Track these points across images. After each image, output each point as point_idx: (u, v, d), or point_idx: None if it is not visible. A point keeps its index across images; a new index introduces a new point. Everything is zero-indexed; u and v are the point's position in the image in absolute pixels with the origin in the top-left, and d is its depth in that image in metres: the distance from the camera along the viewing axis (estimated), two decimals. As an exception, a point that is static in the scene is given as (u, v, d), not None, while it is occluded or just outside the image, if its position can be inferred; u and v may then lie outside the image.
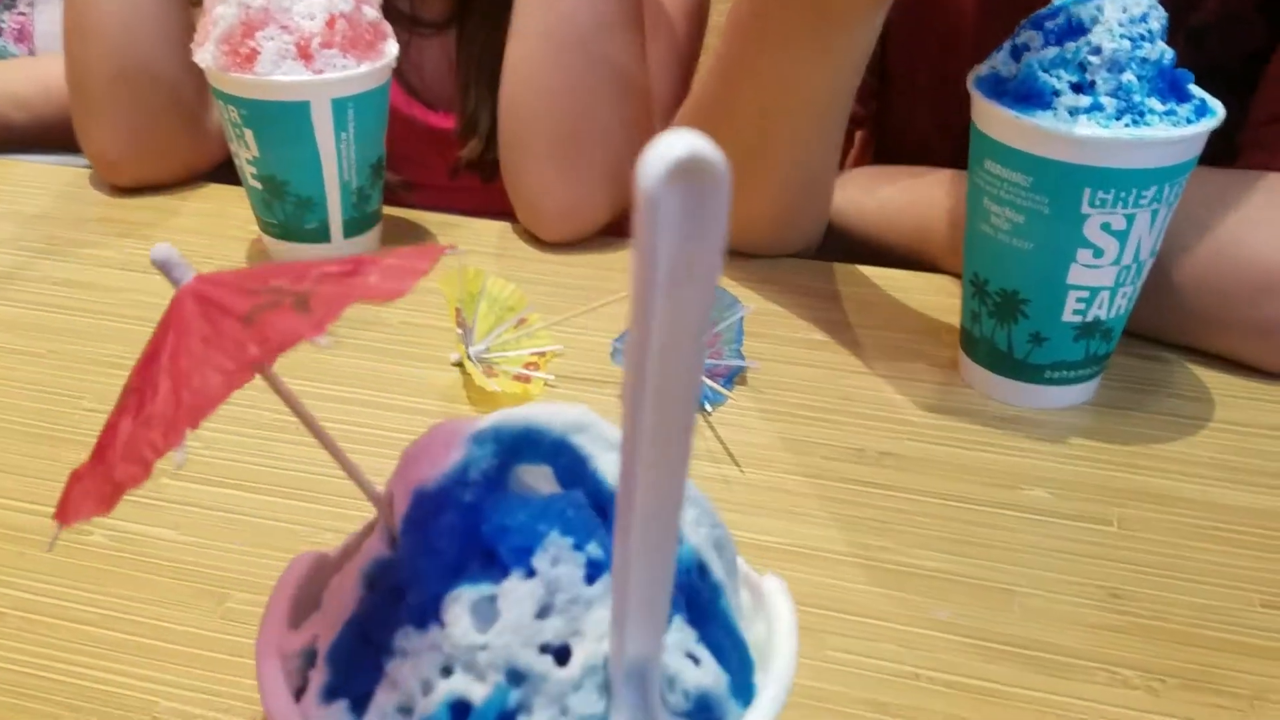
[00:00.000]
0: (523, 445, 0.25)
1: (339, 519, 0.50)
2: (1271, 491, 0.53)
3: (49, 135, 0.87)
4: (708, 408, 0.58)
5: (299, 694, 0.24)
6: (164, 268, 0.22)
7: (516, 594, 0.22)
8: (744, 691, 0.24)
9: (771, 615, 0.26)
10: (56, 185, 0.81)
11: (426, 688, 0.22)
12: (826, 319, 0.66)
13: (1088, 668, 0.43)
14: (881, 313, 0.67)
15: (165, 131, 0.77)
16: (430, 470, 0.24)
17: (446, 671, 0.22)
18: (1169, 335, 0.62)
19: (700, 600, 0.24)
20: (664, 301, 0.17)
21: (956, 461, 0.55)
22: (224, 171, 0.79)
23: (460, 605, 0.22)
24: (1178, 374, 0.61)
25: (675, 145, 0.16)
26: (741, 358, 0.60)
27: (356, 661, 0.24)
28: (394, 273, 0.22)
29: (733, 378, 0.60)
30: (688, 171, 0.16)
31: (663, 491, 0.18)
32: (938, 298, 0.67)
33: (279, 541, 0.49)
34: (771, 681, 0.23)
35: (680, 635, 0.23)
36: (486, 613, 0.22)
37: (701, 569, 0.24)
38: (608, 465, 0.24)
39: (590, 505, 0.24)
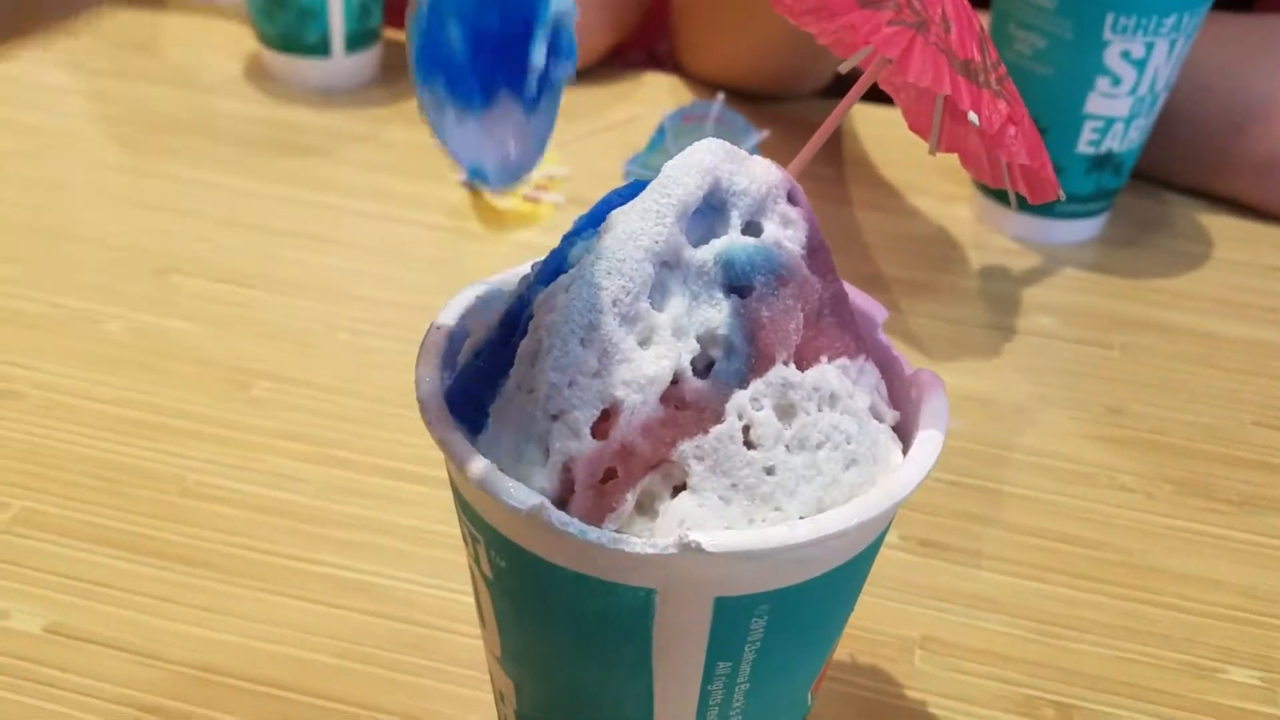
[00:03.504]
0: None
1: (352, 320, 0.50)
2: (1266, 324, 0.54)
3: None
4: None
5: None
6: None
7: None
8: None
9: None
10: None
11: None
12: (839, 155, 0.66)
13: (1090, 473, 0.45)
14: (894, 150, 0.66)
15: None
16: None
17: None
18: (1177, 176, 0.63)
19: None
20: None
21: (968, 288, 0.55)
22: None
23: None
24: (1180, 215, 0.62)
25: None
26: (752, 185, 0.60)
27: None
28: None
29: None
30: None
31: None
32: (945, 137, 0.67)
33: (294, 337, 0.49)
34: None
35: None
36: None
37: None
38: None
39: None
